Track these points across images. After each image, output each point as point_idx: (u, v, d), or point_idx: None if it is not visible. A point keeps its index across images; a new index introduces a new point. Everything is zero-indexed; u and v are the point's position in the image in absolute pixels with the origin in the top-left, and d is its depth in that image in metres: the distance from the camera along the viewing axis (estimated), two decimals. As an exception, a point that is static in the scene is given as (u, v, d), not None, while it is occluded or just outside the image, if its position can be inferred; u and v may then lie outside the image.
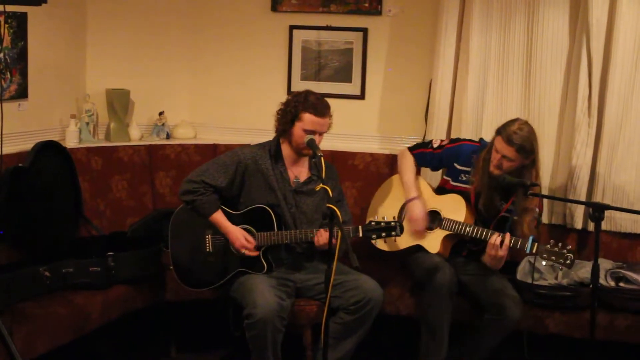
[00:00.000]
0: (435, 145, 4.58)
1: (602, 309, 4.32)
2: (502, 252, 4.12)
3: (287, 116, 4.22)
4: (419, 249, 4.44)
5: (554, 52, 4.88)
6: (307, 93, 4.26)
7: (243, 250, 4.21)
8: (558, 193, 4.92)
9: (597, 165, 4.81)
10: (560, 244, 4.03)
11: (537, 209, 4.30)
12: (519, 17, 4.91)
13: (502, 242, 4.11)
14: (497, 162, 4.23)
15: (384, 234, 4.08)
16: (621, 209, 4.16)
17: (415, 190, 4.49)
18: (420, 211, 4.42)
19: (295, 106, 4.20)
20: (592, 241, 3.92)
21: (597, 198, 4.80)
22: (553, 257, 4.01)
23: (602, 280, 4.40)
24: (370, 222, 4.11)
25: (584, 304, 4.31)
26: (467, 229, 4.26)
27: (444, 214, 4.39)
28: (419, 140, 5.12)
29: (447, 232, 4.36)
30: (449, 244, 4.42)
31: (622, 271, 4.46)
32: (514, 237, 4.13)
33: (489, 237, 4.16)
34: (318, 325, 3.83)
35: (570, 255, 3.99)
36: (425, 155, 4.61)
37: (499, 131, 4.22)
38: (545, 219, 4.91)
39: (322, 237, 4.12)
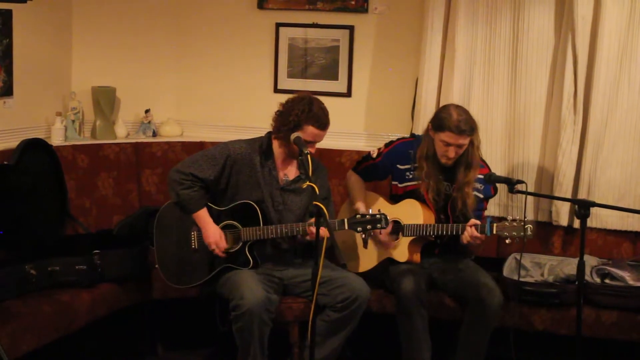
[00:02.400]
0: (374, 155, 4.62)
1: (588, 306, 4.34)
2: (479, 235, 4.16)
3: (288, 124, 4.14)
4: (390, 261, 4.46)
5: (540, 50, 4.90)
6: (312, 101, 4.18)
7: (213, 247, 4.20)
8: (544, 190, 4.93)
9: (583, 163, 4.82)
10: (517, 218, 4.11)
11: (477, 185, 4.37)
12: (504, 15, 4.92)
13: (476, 228, 4.18)
14: (454, 154, 4.28)
15: (369, 226, 4.08)
16: (607, 206, 4.17)
17: (363, 207, 4.51)
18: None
19: (298, 115, 4.12)
20: (578, 238, 3.94)
21: (583, 195, 4.82)
22: (514, 233, 4.08)
23: (587, 277, 4.42)
24: (356, 215, 4.12)
25: (570, 300, 4.32)
26: (428, 229, 4.31)
27: (404, 220, 4.40)
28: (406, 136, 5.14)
29: (410, 238, 4.39)
30: (417, 247, 4.45)
31: (608, 268, 4.48)
32: (478, 224, 4.19)
33: (454, 232, 4.22)
34: (305, 323, 3.83)
35: (530, 226, 4.05)
36: (369, 168, 4.65)
37: (441, 127, 4.25)
38: (531, 216, 4.92)
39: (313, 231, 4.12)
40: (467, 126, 4.21)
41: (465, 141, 4.25)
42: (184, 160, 4.33)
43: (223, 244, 4.23)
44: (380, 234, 4.40)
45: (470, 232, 4.16)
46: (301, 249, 4.34)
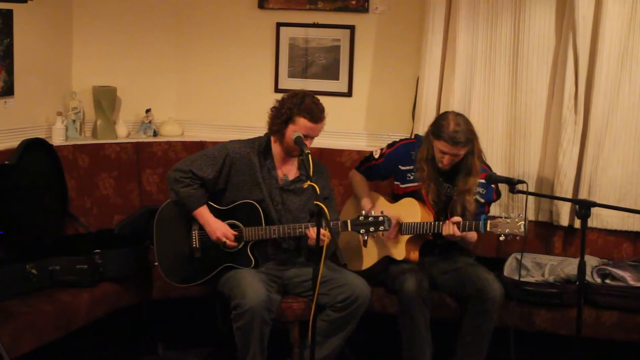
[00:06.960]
0: (376, 156, 4.65)
1: (588, 306, 4.34)
2: (460, 233, 4.21)
3: (281, 117, 4.17)
4: (390, 260, 4.46)
5: (541, 50, 4.89)
6: (304, 95, 4.20)
7: (224, 239, 4.20)
8: (544, 190, 4.93)
9: (584, 163, 4.82)
10: (511, 215, 4.13)
11: (479, 189, 4.38)
12: (505, 15, 4.92)
13: (458, 225, 4.20)
14: (448, 162, 4.30)
15: (372, 228, 4.08)
16: (607, 206, 4.17)
17: (369, 202, 4.55)
18: None
19: (290, 108, 4.15)
20: (579, 238, 3.93)
21: (584, 195, 4.81)
22: (507, 230, 4.10)
23: (588, 277, 4.42)
24: (359, 216, 4.11)
25: (570, 300, 4.32)
26: (425, 227, 4.32)
27: (402, 219, 4.41)
28: (406, 136, 5.13)
29: (408, 236, 4.39)
30: (415, 246, 4.45)
31: (609, 268, 4.48)
32: (467, 220, 4.21)
33: (442, 229, 4.25)
34: (305, 323, 3.83)
35: (523, 222, 4.07)
36: (371, 168, 4.67)
37: (438, 135, 4.26)
38: (531, 216, 4.94)
39: (313, 235, 4.11)
40: (463, 138, 4.21)
41: (460, 151, 4.26)
42: (183, 159, 4.33)
43: (231, 233, 4.22)
44: (383, 235, 4.41)
45: (452, 230, 4.18)
46: (304, 248, 4.34)
